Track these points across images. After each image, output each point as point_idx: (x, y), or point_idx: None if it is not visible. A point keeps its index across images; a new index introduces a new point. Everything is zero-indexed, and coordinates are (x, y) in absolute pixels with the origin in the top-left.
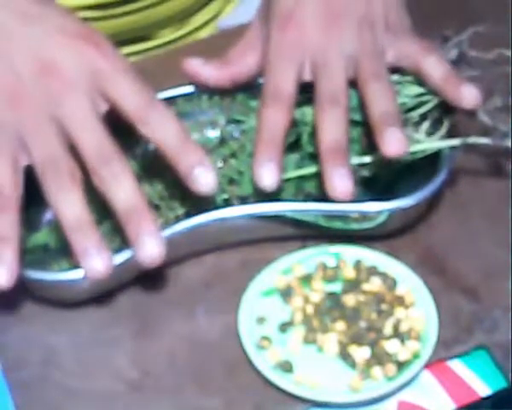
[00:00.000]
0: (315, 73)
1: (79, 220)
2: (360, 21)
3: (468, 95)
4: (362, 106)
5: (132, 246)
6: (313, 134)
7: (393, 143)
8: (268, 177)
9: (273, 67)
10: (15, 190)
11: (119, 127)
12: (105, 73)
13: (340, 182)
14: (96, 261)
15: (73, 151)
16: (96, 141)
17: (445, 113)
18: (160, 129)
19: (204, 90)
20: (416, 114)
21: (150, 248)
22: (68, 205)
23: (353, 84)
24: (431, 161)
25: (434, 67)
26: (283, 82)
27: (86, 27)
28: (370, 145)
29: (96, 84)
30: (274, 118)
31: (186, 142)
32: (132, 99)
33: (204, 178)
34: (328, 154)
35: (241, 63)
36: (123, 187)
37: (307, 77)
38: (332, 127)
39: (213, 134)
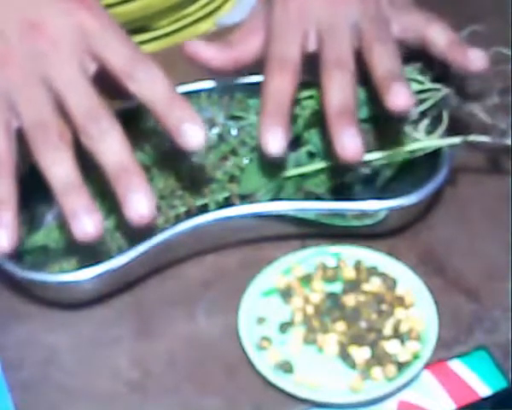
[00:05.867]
0: (320, 41)
1: (69, 181)
2: None
3: (475, 58)
4: (362, 103)
5: (121, 205)
6: (309, 120)
7: (400, 97)
8: (274, 142)
9: (277, 36)
10: (10, 154)
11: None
12: (93, 33)
13: (349, 141)
14: (86, 222)
15: (65, 114)
16: (83, 99)
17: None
18: (148, 85)
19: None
20: (415, 112)
21: (139, 204)
22: (57, 165)
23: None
24: (431, 159)
25: (439, 34)
26: (288, 50)
27: None
28: (371, 143)
29: (85, 43)
30: (280, 84)
31: (175, 97)
32: (120, 56)
33: (193, 133)
34: (335, 116)
35: (244, 45)
36: (111, 143)
37: (312, 47)
38: (339, 90)
39: (212, 132)
